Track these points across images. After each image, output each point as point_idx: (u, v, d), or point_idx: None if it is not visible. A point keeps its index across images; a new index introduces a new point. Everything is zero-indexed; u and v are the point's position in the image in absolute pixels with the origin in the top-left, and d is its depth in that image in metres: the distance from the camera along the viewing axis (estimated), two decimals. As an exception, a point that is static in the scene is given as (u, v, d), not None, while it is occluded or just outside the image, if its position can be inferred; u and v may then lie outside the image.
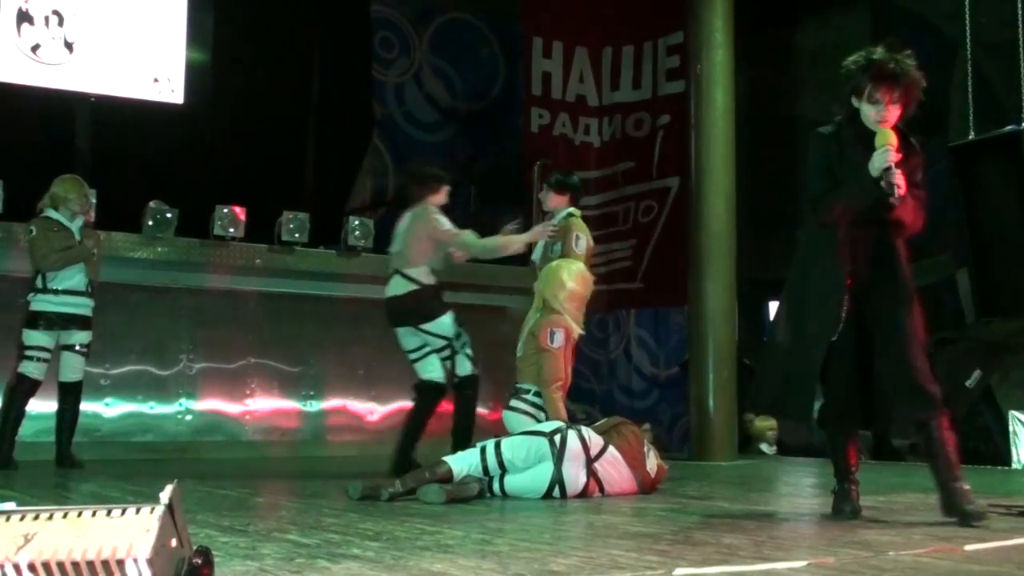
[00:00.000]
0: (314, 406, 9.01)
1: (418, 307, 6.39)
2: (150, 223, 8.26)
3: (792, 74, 11.42)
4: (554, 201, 6.58)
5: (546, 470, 5.01)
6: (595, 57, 11.55)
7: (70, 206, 6.99)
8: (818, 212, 4.21)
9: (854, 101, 4.21)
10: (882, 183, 4.01)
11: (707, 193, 8.69)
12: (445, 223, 6.46)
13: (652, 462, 5.39)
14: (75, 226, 7.03)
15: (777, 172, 11.27)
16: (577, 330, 5.92)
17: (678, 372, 10.26)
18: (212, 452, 8.34)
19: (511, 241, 6.48)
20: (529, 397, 5.88)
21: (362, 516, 4.15)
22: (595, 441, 5.15)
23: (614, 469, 5.17)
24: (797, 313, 4.27)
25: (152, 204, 8.30)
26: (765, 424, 9.48)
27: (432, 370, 6.47)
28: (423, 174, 6.72)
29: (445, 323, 6.38)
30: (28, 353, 6.93)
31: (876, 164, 4.04)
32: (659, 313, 11.06)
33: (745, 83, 9.64)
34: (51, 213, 7.00)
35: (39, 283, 6.94)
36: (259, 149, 10.64)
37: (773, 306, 10.95)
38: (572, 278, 5.91)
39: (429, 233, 6.41)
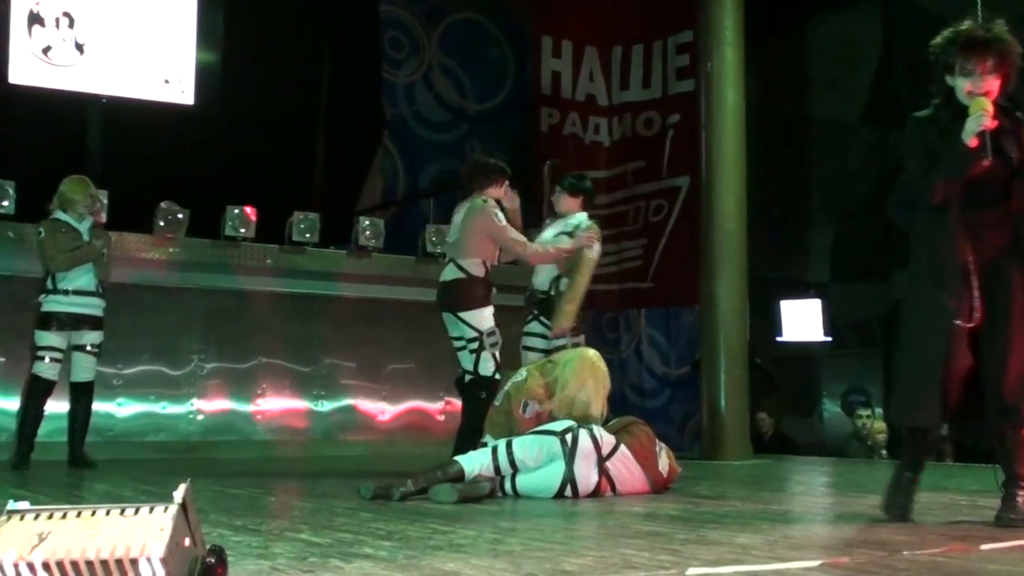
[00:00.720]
0: (325, 406, 9.01)
1: (460, 295, 6.13)
2: (161, 224, 8.27)
3: (803, 72, 11.39)
4: (567, 204, 6.57)
5: (557, 469, 5.00)
6: (605, 56, 11.54)
7: (77, 207, 7.00)
8: (922, 196, 3.92)
9: (948, 79, 3.93)
10: (978, 149, 3.74)
11: (718, 192, 8.67)
12: (503, 221, 6.20)
13: (664, 462, 5.37)
14: (84, 227, 7.03)
15: (788, 170, 11.24)
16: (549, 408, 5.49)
17: (689, 371, 10.24)
18: (224, 452, 8.34)
19: (561, 247, 6.35)
20: None
21: (374, 516, 4.15)
22: (607, 440, 5.14)
23: (626, 468, 5.16)
24: (912, 310, 3.99)
25: (163, 205, 8.31)
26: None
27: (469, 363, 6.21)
28: (487, 165, 6.36)
29: (480, 316, 6.07)
30: (40, 354, 6.94)
31: (969, 129, 3.76)
32: (670, 312, 11.05)
33: (755, 81, 9.61)
34: (59, 214, 7.02)
35: (49, 284, 6.96)
36: (269, 149, 10.65)
37: (785, 305, 11.00)
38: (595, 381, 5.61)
39: (488, 230, 6.12)
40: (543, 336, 6.47)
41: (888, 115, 10.14)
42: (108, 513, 1.94)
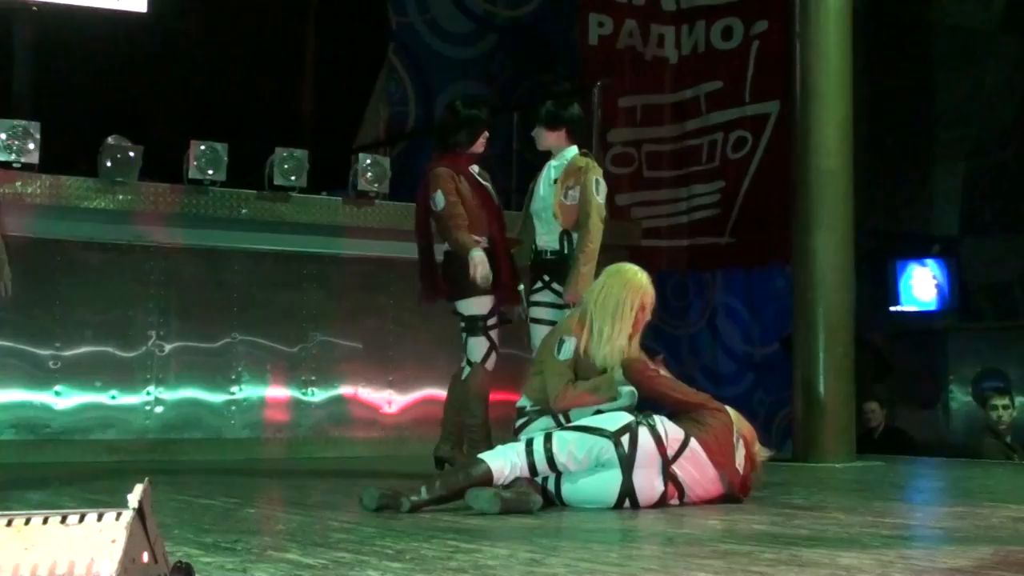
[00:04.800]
0: (316, 395, 9.05)
1: None
2: (108, 164, 8.29)
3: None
4: (549, 139, 6.76)
5: (613, 479, 5.02)
6: (671, -54, 11.45)
7: None
8: None
9: None
10: None
11: (816, 120, 8.60)
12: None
13: (741, 456, 5.38)
14: None
15: (907, 92, 11.14)
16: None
17: (778, 350, 10.22)
18: (190, 452, 8.41)
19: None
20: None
21: (379, 530, 4.18)
22: (672, 436, 5.15)
23: (696, 469, 5.17)
24: None
25: (110, 140, 8.33)
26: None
27: None
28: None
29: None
30: None
31: None
32: (754, 275, 11.01)
33: (865, -22, 9.53)
34: None
35: None
36: (244, 70, 10.67)
37: (901, 266, 10.93)
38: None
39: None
40: (553, 305, 6.61)
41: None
42: (46, 521, 1.96)
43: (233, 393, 8.78)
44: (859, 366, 8.76)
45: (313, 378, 9.06)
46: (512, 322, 6.92)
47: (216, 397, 8.72)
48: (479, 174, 6.85)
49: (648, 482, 5.05)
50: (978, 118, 10.75)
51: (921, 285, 10.97)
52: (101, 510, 1.96)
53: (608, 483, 5.03)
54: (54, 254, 7.83)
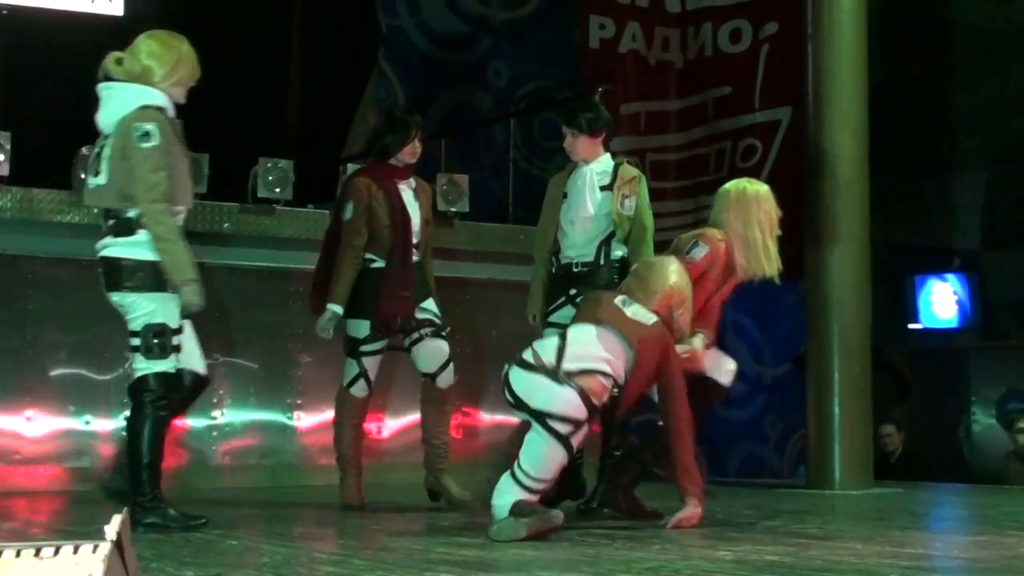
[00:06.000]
0: (303, 419, 9.05)
1: None
2: (82, 176, 8.31)
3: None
4: (587, 147, 6.68)
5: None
6: (675, -55, 11.48)
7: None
8: None
9: None
10: None
11: (830, 127, 8.62)
12: None
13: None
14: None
15: (927, 96, 11.17)
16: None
17: (791, 370, 10.23)
18: (168, 481, 8.35)
19: None
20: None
21: (369, 563, 4.19)
22: (540, 350, 5.28)
23: (583, 348, 5.28)
24: None
25: (84, 151, 8.34)
26: None
27: None
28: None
29: None
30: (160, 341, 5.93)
31: None
32: (764, 290, 11.01)
33: (880, -23, 9.57)
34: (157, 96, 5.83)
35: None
36: (225, 77, 10.67)
37: (920, 281, 10.93)
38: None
39: None
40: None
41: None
42: (19, 554, 1.96)
43: (214, 418, 8.77)
44: (876, 387, 8.77)
45: (299, 401, 9.06)
46: (402, 348, 7.05)
47: (196, 422, 8.70)
48: (418, 188, 7.03)
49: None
50: (1001, 124, 10.77)
51: (941, 301, 10.98)
52: (77, 542, 1.97)
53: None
54: (24, 271, 7.82)
